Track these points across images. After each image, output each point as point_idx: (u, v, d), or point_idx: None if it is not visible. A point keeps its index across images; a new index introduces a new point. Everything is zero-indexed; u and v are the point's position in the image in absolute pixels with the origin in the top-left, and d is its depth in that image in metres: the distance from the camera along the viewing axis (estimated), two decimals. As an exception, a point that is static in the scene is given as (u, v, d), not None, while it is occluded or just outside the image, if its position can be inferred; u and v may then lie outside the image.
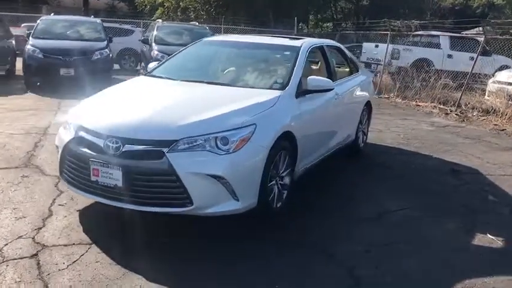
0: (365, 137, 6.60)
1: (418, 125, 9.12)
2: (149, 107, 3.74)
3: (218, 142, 3.40)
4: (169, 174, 3.29)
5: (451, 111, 10.53)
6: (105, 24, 17.11)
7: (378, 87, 13.36)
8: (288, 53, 4.83)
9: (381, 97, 12.86)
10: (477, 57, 10.69)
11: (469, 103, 10.83)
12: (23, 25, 18.86)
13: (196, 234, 3.70)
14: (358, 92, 6.00)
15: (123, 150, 3.37)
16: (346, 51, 6.19)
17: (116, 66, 15.65)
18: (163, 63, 4.99)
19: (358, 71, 6.26)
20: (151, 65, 5.14)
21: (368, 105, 6.43)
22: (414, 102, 11.96)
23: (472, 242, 3.85)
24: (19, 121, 7.13)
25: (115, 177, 3.37)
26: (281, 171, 3.99)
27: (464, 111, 10.48)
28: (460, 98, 10.74)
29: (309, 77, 4.38)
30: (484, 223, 4.23)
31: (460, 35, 15.30)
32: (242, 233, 3.73)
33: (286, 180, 4.11)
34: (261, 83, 4.45)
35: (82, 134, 3.59)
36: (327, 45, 5.51)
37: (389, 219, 4.20)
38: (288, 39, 5.28)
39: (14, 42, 12.99)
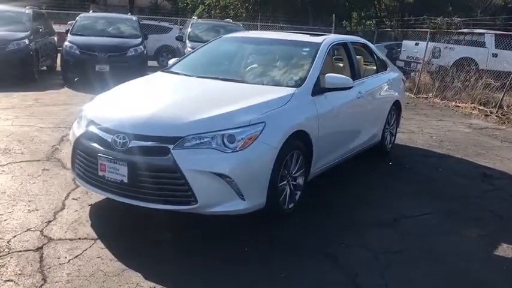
0: (393, 138, 6.36)
1: (454, 126, 8.74)
2: (158, 103, 3.71)
3: (225, 140, 3.33)
4: (173, 171, 3.25)
5: (491, 113, 10.04)
6: (144, 22, 17.59)
7: (416, 86, 12.96)
8: (307, 49, 4.70)
9: (418, 97, 12.46)
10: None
11: (511, 104, 10.29)
12: (69, 23, 19.48)
13: (199, 235, 3.63)
14: (386, 91, 5.79)
15: (130, 146, 3.35)
16: (373, 48, 5.98)
17: (154, 63, 15.89)
18: (182, 59, 4.98)
19: (386, 69, 6.04)
20: (172, 61, 5.13)
21: (397, 105, 6.19)
22: (453, 103, 11.48)
23: (494, 253, 3.61)
24: (51, 115, 7.31)
25: (121, 172, 3.36)
26: (293, 172, 3.88)
27: (506, 113, 9.97)
28: (502, 99, 10.22)
29: (327, 75, 4.24)
30: (510, 232, 3.97)
31: (506, 32, 14.57)
32: (246, 233, 3.63)
33: (300, 180, 3.99)
34: (276, 80, 4.35)
35: (92, 128, 3.60)
36: (351, 42, 5.33)
37: (406, 225, 4.00)
38: (309, 35, 5.14)
39: (56, 38, 13.40)
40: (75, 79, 11.15)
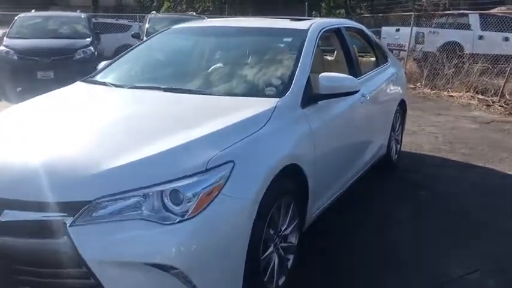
0: (399, 147, 5.07)
1: (458, 121, 7.51)
2: (54, 140, 2.27)
3: (165, 201, 1.94)
4: (73, 265, 1.85)
5: (493, 103, 8.86)
6: (100, 20, 15.89)
7: (402, 76, 11.75)
8: (289, 39, 3.33)
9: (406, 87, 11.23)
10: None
11: (513, 92, 9.15)
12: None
13: None
14: (390, 89, 4.47)
15: (1, 219, 1.93)
16: (371, 34, 4.65)
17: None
18: (114, 62, 3.49)
19: (387, 61, 4.71)
20: (102, 64, 3.67)
21: (402, 106, 4.90)
22: (446, 93, 10.30)
23: None
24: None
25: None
26: (283, 228, 2.52)
27: (510, 102, 8.80)
28: (504, 86, 9.05)
29: (322, 75, 2.87)
30: None
31: (493, 12, 13.51)
32: None
33: (292, 238, 2.64)
34: (248, 87, 2.94)
35: None
36: (346, 27, 3.96)
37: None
38: (290, 20, 3.74)
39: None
40: (18, 89, 9.52)
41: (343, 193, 3.47)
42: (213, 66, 3.27)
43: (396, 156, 4.96)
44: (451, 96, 10.04)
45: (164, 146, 2.09)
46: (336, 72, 3.20)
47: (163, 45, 3.64)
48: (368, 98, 3.67)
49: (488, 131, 6.85)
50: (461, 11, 13.63)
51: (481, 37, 13.13)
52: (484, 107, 8.78)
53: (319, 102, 2.91)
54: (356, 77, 3.45)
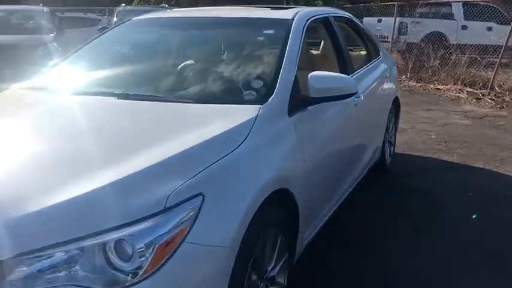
0: (392, 149, 4.60)
1: (449, 117, 7.09)
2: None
3: (109, 256, 1.41)
4: None
5: (483, 96, 8.48)
6: (67, 14, 15.07)
7: (386, 69, 11.34)
8: (271, 31, 2.80)
9: (391, 81, 10.83)
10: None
11: (503, 84, 8.79)
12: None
13: None
14: (384, 87, 3.99)
15: None
16: (361, 25, 4.15)
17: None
18: (59, 63, 2.90)
19: (379, 55, 4.21)
20: (51, 64, 3.08)
21: (395, 103, 4.43)
22: (432, 85, 9.92)
23: None
24: None
25: None
26: (269, 269, 2.00)
27: (500, 95, 8.44)
28: (493, 79, 8.67)
29: (312, 75, 2.34)
30: None
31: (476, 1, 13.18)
32: None
33: (281, 279, 2.12)
34: (222, 91, 2.38)
35: None
36: (335, 16, 3.44)
37: None
38: (271, 9, 3.19)
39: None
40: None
41: (338, 208, 2.97)
42: (179, 66, 2.70)
43: (390, 159, 4.50)
44: (438, 89, 9.67)
45: (107, 178, 1.54)
46: (324, 69, 2.70)
47: (121, 41, 3.05)
48: (362, 98, 3.16)
49: (482, 127, 6.45)
50: (445, 0, 13.28)
51: (464, 27, 12.83)
52: (474, 100, 8.40)
53: (309, 108, 2.40)
54: (348, 75, 2.97)
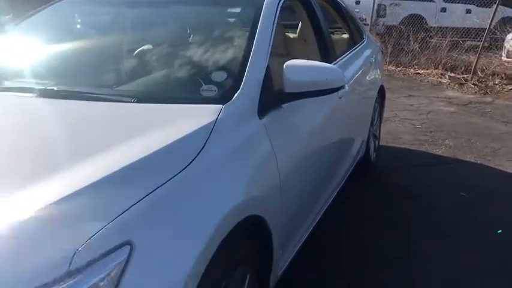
0: (377, 142, 4.18)
1: (432, 104, 6.72)
2: None
3: None
4: None
5: (466, 81, 8.14)
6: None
7: (364, 52, 10.92)
8: (238, 10, 2.29)
9: (370, 65, 10.43)
10: (497, 7, 8.16)
11: (485, 68, 8.47)
12: None
13: None
14: (370, 75, 3.53)
15: None
16: (343, 4, 3.66)
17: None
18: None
19: (363, 38, 3.74)
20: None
21: (381, 93, 3.99)
22: (412, 70, 9.56)
23: None
24: None
25: None
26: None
27: (483, 80, 8.12)
28: (476, 63, 8.32)
29: (288, 64, 1.85)
30: None
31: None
32: None
33: (250, 327, 1.66)
34: (173, 86, 1.88)
35: None
36: (314, -6, 2.95)
37: None
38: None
39: None
40: None
41: (316, 225, 2.51)
42: (122, 54, 2.18)
43: (375, 154, 4.08)
44: (418, 73, 9.32)
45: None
46: (303, 56, 2.22)
47: (52, 22, 2.49)
48: (347, 89, 2.69)
49: (468, 115, 6.10)
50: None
51: (443, 9, 12.60)
52: (457, 85, 8.07)
53: (284, 105, 1.92)
54: (330, 62, 2.50)
